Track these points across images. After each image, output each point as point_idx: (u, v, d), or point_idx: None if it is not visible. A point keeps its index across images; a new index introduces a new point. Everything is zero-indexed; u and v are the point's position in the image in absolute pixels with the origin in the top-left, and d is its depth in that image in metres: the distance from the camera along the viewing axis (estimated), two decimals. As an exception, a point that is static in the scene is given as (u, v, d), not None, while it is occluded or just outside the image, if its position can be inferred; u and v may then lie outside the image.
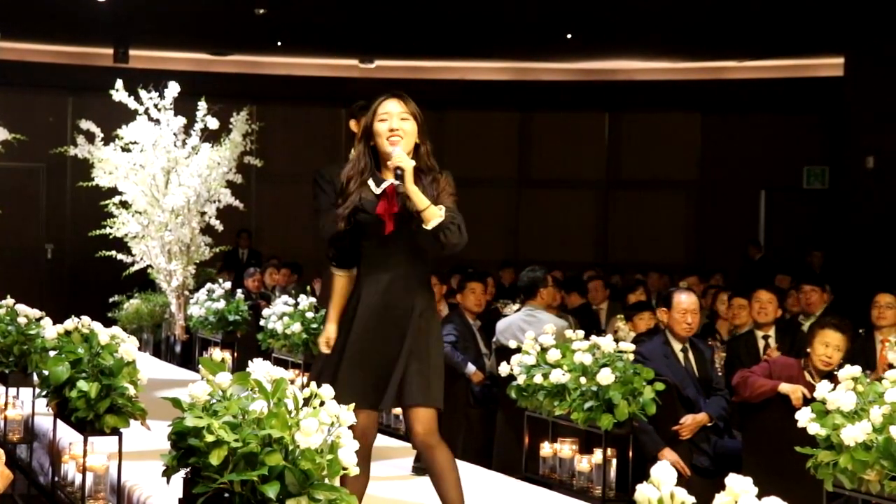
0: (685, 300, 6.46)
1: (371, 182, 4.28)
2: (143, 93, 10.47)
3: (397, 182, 4.19)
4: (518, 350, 6.28)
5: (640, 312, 8.13)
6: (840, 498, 4.75)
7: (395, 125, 4.25)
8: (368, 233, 4.28)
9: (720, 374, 6.98)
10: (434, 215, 4.13)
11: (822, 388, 4.46)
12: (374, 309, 4.29)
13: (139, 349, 5.42)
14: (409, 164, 4.18)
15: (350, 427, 3.51)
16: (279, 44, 15.40)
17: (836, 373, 4.68)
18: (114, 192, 10.64)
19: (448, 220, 4.14)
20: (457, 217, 4.18)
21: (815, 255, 14.85)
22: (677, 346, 6.44)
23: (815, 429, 4.40)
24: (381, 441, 7.10)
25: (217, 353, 9.63)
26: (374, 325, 4.28)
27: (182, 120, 10.57)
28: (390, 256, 4.27)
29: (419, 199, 4.15)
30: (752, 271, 14.89)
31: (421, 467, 5.73)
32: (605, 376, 5.62)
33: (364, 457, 4.12)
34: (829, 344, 5.97)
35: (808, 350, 6.08)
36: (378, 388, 4.24)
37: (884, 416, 4.15)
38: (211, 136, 10.70)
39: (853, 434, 4.16)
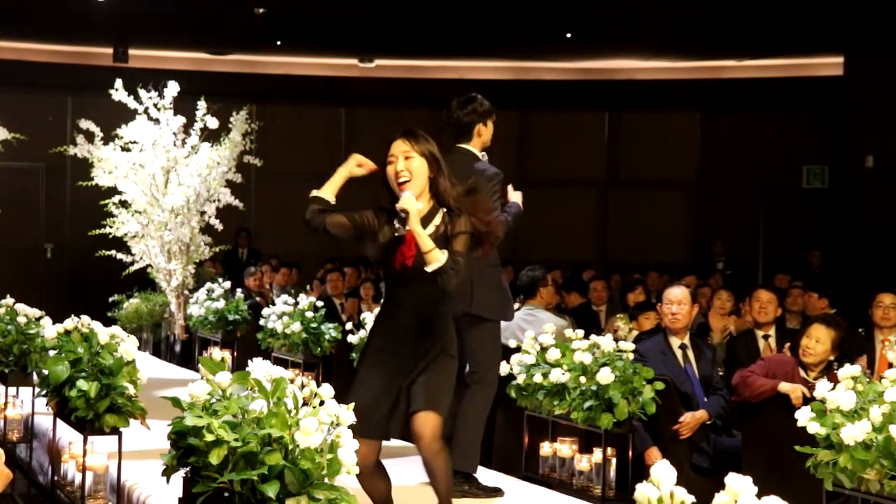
0: (671, 292, 6.48)
1: (396, 222, 4.34)
2: (142, 92, 10.47)
3: (401, 224, 4.28)
4: (518, 349, 6.28)
5: (645, 312, 8.12)
6: (840, 497, 4.75)
7: (401, 166, 4.32)
8: (388, 269, 4.37)
9: (720, 373, 6.98)
10: (436, 259, 4.21)
11: (822, 388, 4.46)
12: (388, 344, 4.38)
13: (139, 348, 5.42)
14: (412, 207, 4.25)
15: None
16: (279, 43, 15.40)
17: (834, 371, 4.68)
18: (113, 191, 10.65)
19: (448, 265, 4.21)
20: (458, 262, 4.24)
21: (814, 254, 14.87)
22: (675, 343, 6.44)
23: (814, 428, 4.39)
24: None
25: (217, 353, 9.62)
26: (386, 359, 4.36)
27: (181, 119, 10.57)
28: (406, 293, 4.35)
29: (423, 241, 4.23)
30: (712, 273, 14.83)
31: None
32: (605, 376, 5.62)
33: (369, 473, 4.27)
34: (811, 336, 6.04)
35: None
36: (383, 419, 4.30)
37: (883, 416, 4.15)
38: (210, 136, 10.70)
39: (853, 433, 4.16)
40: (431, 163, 4.35)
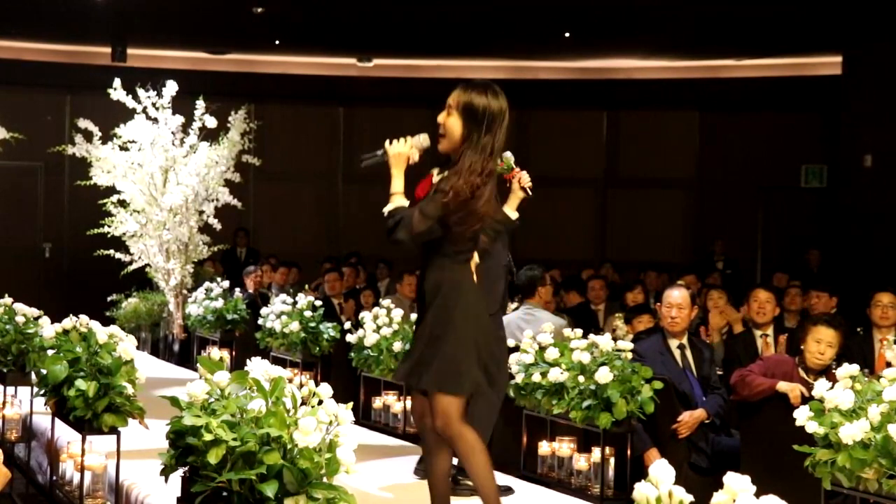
0: (670, 295, 6.47)
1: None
2: (141, 91, 10.46)
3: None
4: (516, 349, 6.28)
5: (639, 315, 8.11)
6: (838, 496, 4.76)
7: (440, 119, 4.13)
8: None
9: (718, 372, 6.98)
10: (390, 203, 4.07)
11: (821, 387, 4.46)
12: (419, 300, 4.21)
13: (137, 348, 5.42)
14: (394, 149, 4.11)
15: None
16: (277, 42, 15.39)
17: (833, 370, 4.68)
18: (112, 190, 10.63)
19: (388, 212, 4.04)
20: (400, 212, 4.00)
21: (812, 253, 14.87)
22: (674, 344, 6.43)
23: (813, 427, 4.40)
24: (379, 440, 7.10)
25: (215, 352, 9.62)
26: (418, 315, 4.24)
27: (180, 118, 10.56)
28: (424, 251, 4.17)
29: (393, 182, 4.10)
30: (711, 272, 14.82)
31: (423, 469, 5.71)
32: (604, 375, 5.62)
33: (433, 440, 4.14)
34: (820, 340, 6.01)
35: (802, 347, 6.10)
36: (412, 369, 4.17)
37: (882, 415, 4.15)
38: (209, 135, 10.69)
39: (851, 432, 4.17)
40: (467, 120, 4.07)
